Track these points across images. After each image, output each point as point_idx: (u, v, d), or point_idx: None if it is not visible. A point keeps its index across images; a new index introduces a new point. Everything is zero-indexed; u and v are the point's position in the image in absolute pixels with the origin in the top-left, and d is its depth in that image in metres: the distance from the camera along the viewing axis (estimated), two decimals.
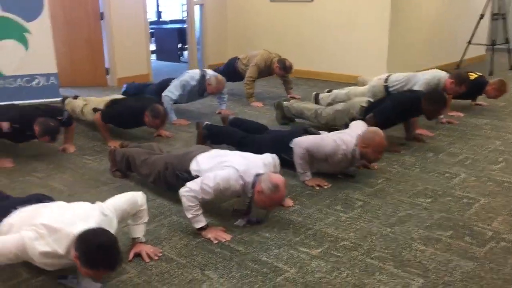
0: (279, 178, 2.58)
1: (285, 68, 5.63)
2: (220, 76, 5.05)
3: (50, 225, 2.00)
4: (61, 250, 1.97)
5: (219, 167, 2.69)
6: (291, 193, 3.12)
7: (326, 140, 3.25)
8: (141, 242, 2.46)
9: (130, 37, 6.93)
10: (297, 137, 3.27)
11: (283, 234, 2.64)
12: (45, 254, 1.97)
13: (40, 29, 5.55)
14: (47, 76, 5.74)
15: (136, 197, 2.36)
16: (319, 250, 2.48)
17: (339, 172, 3.41)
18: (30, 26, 5.51)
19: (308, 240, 2.59)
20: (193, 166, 2.83)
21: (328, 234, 2.65)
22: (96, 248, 1.89)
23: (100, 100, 4.62)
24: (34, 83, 5.68)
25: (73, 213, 2.12)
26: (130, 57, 6.96)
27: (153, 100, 4.38)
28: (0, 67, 5.48)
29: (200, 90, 5.00)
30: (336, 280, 2.22)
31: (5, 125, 3.62)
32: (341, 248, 2.50)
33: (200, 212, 2.59)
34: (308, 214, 2.89)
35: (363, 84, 5.17)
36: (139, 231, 2.46)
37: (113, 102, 4.43)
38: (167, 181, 3.01)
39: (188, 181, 2.67)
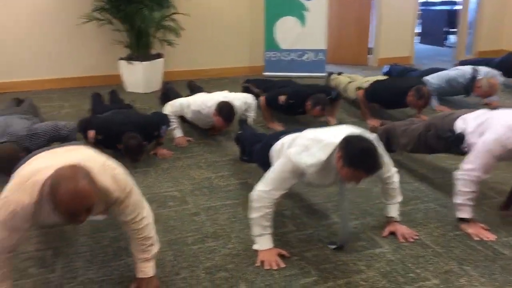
0: None
1: None
2: (495, 80, 4.57)
3: (315, 137, 2.17)
4: (324, 157, 2.09)
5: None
6: None
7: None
8: (396, 221, 2.47)
9: (398, 17, 6.84)
10: None
11: None
12: (311, 165, 2.11)
13: (317, 7, 5.96)
14: (316, 51, 6.15)
15: None
16: None
17: None
18: (309, 4, 5.97)
19: None
20: (459, 124, 2.68)
21: None
22: (360, 150, 1.98)
23: (364, 79, 4.74)
24: (304, 57, 6.17)
25: (331, 131, 2.24)
26: (395, 38, 6.89)
27: (418, 81, 4.28)
28: (279, 41, 6.12)
29: (465, 88, 4.68)
30: None
31: (282, 98, 4.04)
32: None
33: (471, 202, 2.44)
34: None
35: None
36: (393, 210, 2.47)
37: (377, 82, 4.49)
38: (427, 143, 2.93)
39: (450, 141, 2.63)
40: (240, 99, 3.90)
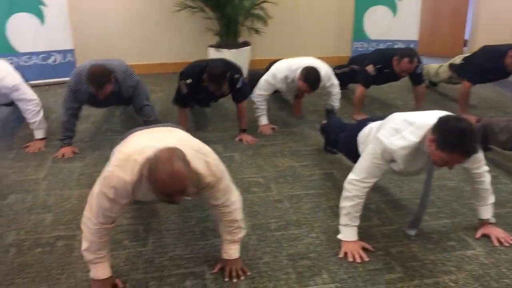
0: None
1: None
2: None
3: (406, 119, 2.09)
4: (416, 139, 2.01)
5: None
6: None
7: None
8: (491, 223, 2.33)
9: (499, 7, 6.38)
10: None
11: None
12: (402, 148, 2.04)
13: None
14: (407, 42, 5.90)
15: None
16: None
17: None
18: None
19: None
20: None
21: None
22: (458, 130, 1.84)
23: (454, 58, 4.59)
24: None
25: (422, 114, 2.14)
26: (494, 30, 6.44)
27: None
28: (368, 31, 5.96)
29: None
30: None
31: (370, 68, 3.98)
32: None
33: None
34: None
35: None
36: (487, 212, 2.33)
37: (470, 55, 4.36)
38: None
39: None
40: (327, 70, 3.80)
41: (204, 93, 3.48)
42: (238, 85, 3.53)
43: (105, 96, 3.17)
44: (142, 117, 3.48)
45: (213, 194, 1.90)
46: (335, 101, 3.91)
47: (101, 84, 3.09)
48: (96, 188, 1.82)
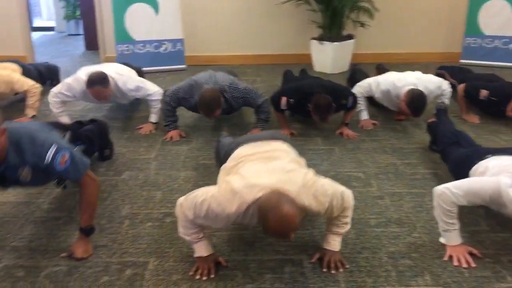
0: None
1: None
2: None
3: None
4: None
5: None
6: None
7: None
8: None
9: None
10: None
11: None
12: None
13: None
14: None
15: None
16: None
17: None
18: None
19: None
20: None
21: None
22: None
23: None
24: (511, 45, 5.54)
25: None
26: None
27: None
28: (482, 25, 5.58)
29: None
30: None
31: (484, 93, 3.72)
32: None
33: None
34: None
35: None
36: None
37: None
38: None
39: None
40: (435, 83, 3.67)
41: (306, 113, 3.47)
42: (348, 105, 3.56)
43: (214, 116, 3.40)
44: (258, 114, 3.58)
45: (327, 214, 1.96)
46: (446, 100, 3.73)
47: (212, 111, 3.30)
48: (201, 197, 1.89)
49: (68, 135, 2.56)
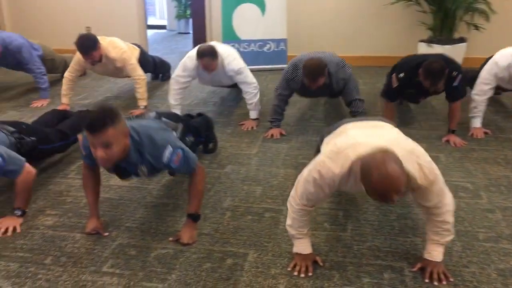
0: None
1: None
2: None
3: None
4: None
5: None
6: None
7: None
8: None
9: None
10: None
11: None
12: None
13: None
14: None
15: None
16: None
17: None
18: None
19: None
20: None
21: None
22: None
23: None
24: None
25: None
26: None
27: None
28: None
29: None
30: None
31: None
32: None
33: None
34: None
35: None
36: None
37: None
38: None
39: None
40: None
41: (416, 88, 3.36)
42: (455, 83, 3.31)
43: (317, 87, 3.32)
44: (351, 108, 3.56)
45: (425, 196, 1.86)
46: None
47: (315, 77, 3.27)
48: (305, 173, 1.94)
49: (180, 126, 2.72)
